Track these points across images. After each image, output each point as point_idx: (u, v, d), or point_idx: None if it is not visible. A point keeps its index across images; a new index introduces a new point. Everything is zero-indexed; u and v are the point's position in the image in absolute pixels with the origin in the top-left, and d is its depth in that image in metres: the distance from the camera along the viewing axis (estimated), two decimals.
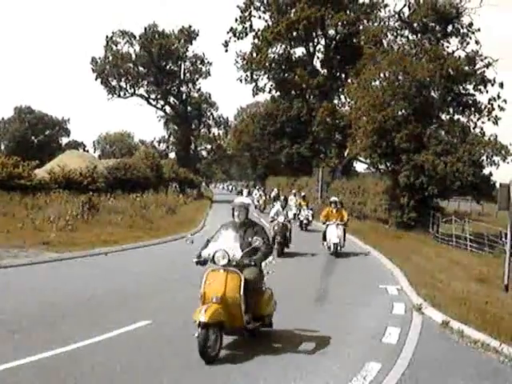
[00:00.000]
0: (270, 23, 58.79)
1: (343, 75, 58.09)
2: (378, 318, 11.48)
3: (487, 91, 36.22)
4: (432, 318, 11.57)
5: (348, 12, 55.62)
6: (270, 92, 63.66)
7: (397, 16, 43.81)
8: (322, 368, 8.13)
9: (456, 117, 37.13)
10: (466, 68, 36.24)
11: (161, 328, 9.94)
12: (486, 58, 37.10)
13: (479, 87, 36.25)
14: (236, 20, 60.84)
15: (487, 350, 9.41)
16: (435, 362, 8.75)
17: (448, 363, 8.78)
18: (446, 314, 11.39)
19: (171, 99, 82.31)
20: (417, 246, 25.26)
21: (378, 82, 37.74)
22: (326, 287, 14.79)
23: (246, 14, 60.58)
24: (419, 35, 41.50)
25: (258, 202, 45.73)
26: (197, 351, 7.93)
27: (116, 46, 76.02)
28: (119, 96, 78.44)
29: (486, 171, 33.93)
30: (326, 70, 59.52)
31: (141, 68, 77.50)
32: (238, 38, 61.16)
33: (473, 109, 36.62)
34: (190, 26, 78.68)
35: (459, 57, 37.22)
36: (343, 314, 11.75)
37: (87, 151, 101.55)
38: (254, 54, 59.86)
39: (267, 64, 59.88)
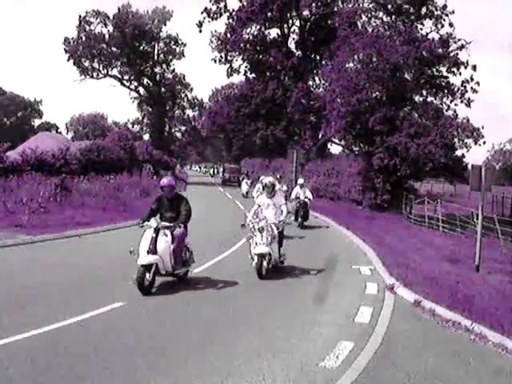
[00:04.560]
0: (245, 3, 58.32)
1: (318, 57, 58.01)
2: (351, 298, 11.60)
3: (460, 73, 36.43)
4: (404, 298, 11.72)
5: None
6: (244, 73, 63.47)
7: None
8: (295, 347, 8.20)
9: (429, 99, 37.33)
10: (440, 50, 36.38)
11: (135, 310, 9.94)
12: (459, 40, 37.29)
13: (452, 69, 36.44)
14: (210, 0, 60.36)
15: (458, 329, 9.58)
16: (407, 341, 8.88)
17: (420, 342, 8.91)
18: (417, 294, 11.55)
19: (145, 80, 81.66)
20: (390, 227, 25.51)
21: (352, 64, 37.77)
22: (299, 268, 14.87)
23: None
24: (393, 17, 41.53)
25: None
26: (171, 333, 7.93)
27: (89, 26, 74.82)
28: (92, 77, 77.55)
29: (458, 153, 34.32)
30: (300, 52, 59.39)
31: (114, 48, 76.43)
32: (213, 19, 60.67)
33: (446, 91, 36.81)
34: (164, 7, 78.07)
35: (433, 39, 37.32)
36: (316, 295, 11.82)
37: (60, 133, 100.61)
38: (229, 35, 59.47)
39: (242, 45, 59.56)
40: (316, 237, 22.50)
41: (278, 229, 13.90)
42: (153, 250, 11.19)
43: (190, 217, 12.02)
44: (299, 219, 24.65)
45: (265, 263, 13.15)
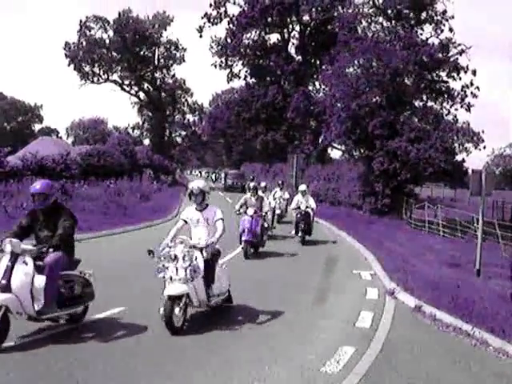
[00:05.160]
0: (245, 8, 58.46)
1: (318, 62, 58.14)
2: (352, 303, 11.58)
3: (460, 78, 36.52)
4: (405, 303, 11.70)
5: None
6: (244, 78, 63.58)
7: (371, 2, 43.84)
8: (296, 352, 8.19)
9: (429, 104, 37.41)
10: (440, 55, 36.47)
11: (135, 314, 9.89)
12: (459, 45, 37.38)
13: (452, 74, 36.53)
14: (210, 5, 60.56)
15: (459, 334, 9.55)
16: (408, 346, 8.86)
17: (420, 347, 8.88)
18: (418, 299, 11.53)
19: (145, 85, 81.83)
20: (390, 232, 25.49)
21: (352, 69, 37.84)
22: (300, 273, 14.85)
23: None
24: (393, 22, 41.63)
25: (280, 206, 26.12)
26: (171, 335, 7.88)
27: (90, 31, 75.01)
28: (92, 82, 77.70)
29: (458, 157, 34.39)
30: (300, 57, 59.55)
31: (114, 53, 76.65)
32: (213, 24, 60.86)
33: (446, 96, 36.89)
34: (165, 12, 78.26)
35: (433, 44, 37.42)
36: (317, 300, 11.80)
37: (60, 138, 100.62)
38: (229, 40, 59.62)
39: (242, 50, 59.76)
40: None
41: (203, 256, 9.31)
42: (4, 286, 7.65)
43: (72, 236, 8.89)
44: (300, 233, 20.58)
45: (177, 310, 8.70)
